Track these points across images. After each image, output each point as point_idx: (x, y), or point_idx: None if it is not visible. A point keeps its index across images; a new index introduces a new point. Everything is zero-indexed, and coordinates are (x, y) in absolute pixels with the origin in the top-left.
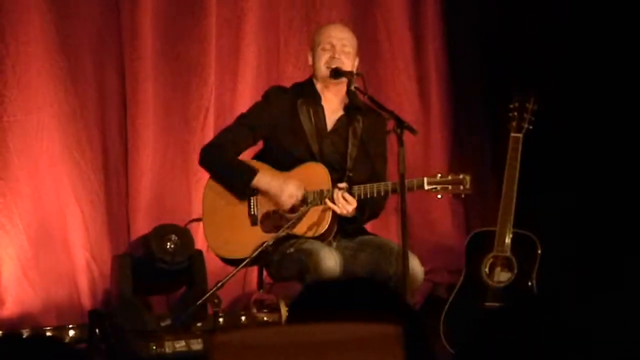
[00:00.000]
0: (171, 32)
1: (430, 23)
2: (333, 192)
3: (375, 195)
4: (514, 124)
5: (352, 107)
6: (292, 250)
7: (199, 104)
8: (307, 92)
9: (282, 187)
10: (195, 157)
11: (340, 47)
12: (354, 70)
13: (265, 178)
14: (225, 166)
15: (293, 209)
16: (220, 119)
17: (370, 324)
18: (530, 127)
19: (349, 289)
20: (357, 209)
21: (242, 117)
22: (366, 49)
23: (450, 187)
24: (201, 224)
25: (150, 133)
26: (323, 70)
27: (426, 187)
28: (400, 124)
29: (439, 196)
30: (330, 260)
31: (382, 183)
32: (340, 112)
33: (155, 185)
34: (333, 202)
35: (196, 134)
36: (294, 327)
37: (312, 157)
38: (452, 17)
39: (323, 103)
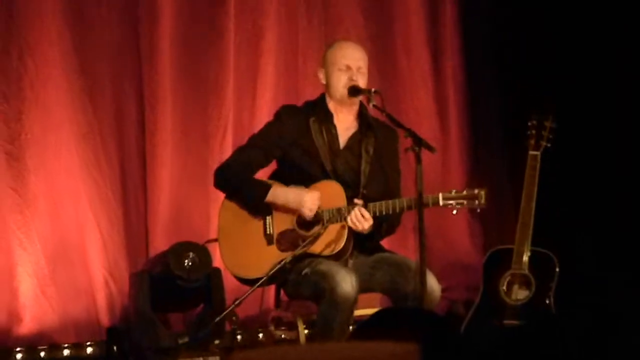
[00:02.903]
0: (189, 51)
1: (448, 40)
2: (349, 209)
3: (390, 212)
4: (532, 141)
5: (364, 123)
6: (308, 271)
7: (217, 123)
8: (319, 110)
9: (301, 199)
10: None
11: (356, 68)
12: (370, 88)
13: (281, 191)
14: (240, 185)
15: (311, 222)
16: (239, 138)
17: (388, 342)
18: (549, 145)
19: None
20: (374, 225)
21: (254, 137)
22: (384, 66)
23: (465, 202)
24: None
25: (169, 151)
26: (341, 91)
27: (441, 202)
28: (418, 141)
29: (455, 211)
30: (347, 284)
31: (398, 200)
32: (353, 129)
33: (173, 203)
34: (350, 219)
35: (214, 152)
36: (311, 345)
37: (326, 175)
38: (470, 34)
39: (335, 121)
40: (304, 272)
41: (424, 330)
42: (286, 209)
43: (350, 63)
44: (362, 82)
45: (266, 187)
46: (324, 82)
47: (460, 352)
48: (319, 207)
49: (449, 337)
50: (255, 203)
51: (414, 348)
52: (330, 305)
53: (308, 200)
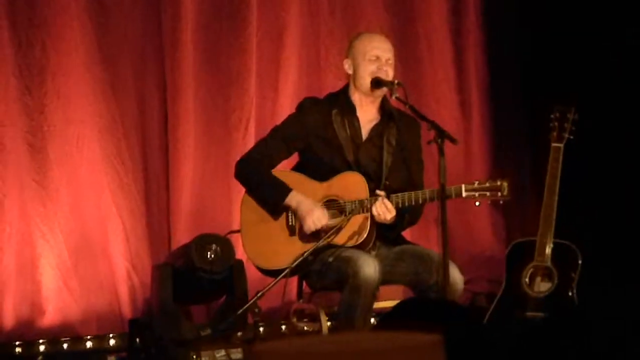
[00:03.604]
0: (212, 43)
1: (470, 33)
2: (375, 199)
3: (413, 203)
4: (554, 134)
5: (386, 115)
6: (331, 259)
7: (240, 115)
8: (341, 102)
9: (309, 212)
10: None
11: (385, 59)
12: (393, 80)
13: (297, 198)
14: (260, 182)
15: (334, 214)
16: (261, 130)
17: (411, 333)
18: (571, 137)
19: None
20: (396, 216)
21: (276, 129)
22: (407, 58)
23: (488, 193)
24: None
25: (191, 143)
26: (367, 79)
27: (464, 194)
28: (441, 133)
29: (477, 203)
30: (370, 267)
31: (420, 191)
32: (375, 121)
33: (196, 195)
34: (375, 209)
35: (237, 144)
36: (334, 335)
37: (349, 167)
38: (493, 27)
39: (358, 113)
40: (327, 260)
41: (447, 321)
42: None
43: (380, 54)
44: (390, 74)
45: (284, 192)
46: (350, 72)
47: (484, 343)
48: (341, 198)
49: (473, 328)
50: (273, 205)
51: (437, 338)
52: (353, 290)
53: (312, 219)
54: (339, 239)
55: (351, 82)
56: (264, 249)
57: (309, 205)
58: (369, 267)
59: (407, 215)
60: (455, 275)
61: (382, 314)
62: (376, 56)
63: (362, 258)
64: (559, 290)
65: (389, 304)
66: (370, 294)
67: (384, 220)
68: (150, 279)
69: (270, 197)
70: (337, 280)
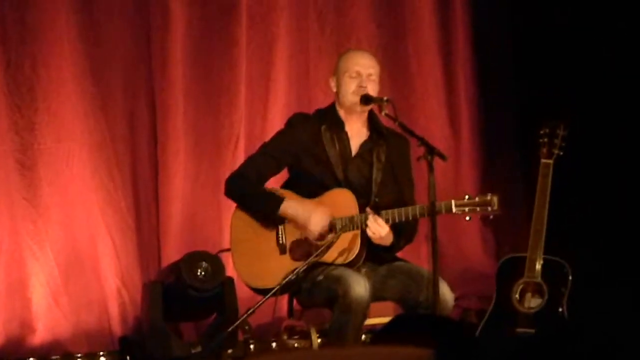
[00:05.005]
0: (201, 60)
1: (460, 48)
2: (365, 217)
3: (403, 219)
4: (544, 150)
5: (374, 131)
6: (321, 277)
7: (230, 131)
8: (330, 118)
9: (310, 216)
10: None
11: (366, 75)
12: (382, 97)
13: (293, 205)
14: (252, 196)
15: (321, 237)
16: (251, 146)
17: (402, 347)
18: (561, 153)
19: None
20: (394, 235)
21: (265, 145)
22: (396, 74)
23: (478, 208)
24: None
25: (181, 160)
26: (349, 97)
27: (454, 209)
28: (431, 150)
29: (468, 218)
30: (360, 286)
31: (410, 207)
32: (364, 137)
33: (186, 212)
34: (366, 227)
35: (227, 160)
36: (325, 350)
37: (338, 183)
38: (482, 42)
39: (346, 129)
40: (317, 278)
41: (441, 337)
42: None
43: (361, 70)
44: (371, 89)
45: (279, 200)
46: (335, 89)
47: (476, 358)
48: (331, 216)
49: (464, 342)
50: (267, 215)
51: (428, 353)
52: (343, 309)
53: (316, 219)
54: (329, 257)
55: (336, 99)
56: (255, 267)
57: (307, 213)
58: (360, 286)
59: (403, 234)
60: (445, 292)
61: (373, 331)
62: (357, 72)
63: (352, 277)
64: (549, 306)
65: (380, 320)
66: (361, 313)
67: (380, 237)
68: (140, 296)
69: (265, 209)
70: (328, 298)
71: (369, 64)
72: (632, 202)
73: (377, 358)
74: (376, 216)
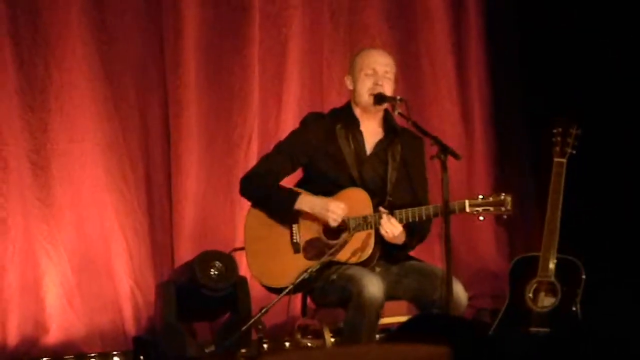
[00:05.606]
0: (214, 59)
1: (473, 48)
2: (379, 216)
3: (417, 219)
4: (557, 149)
5: (389, 130)
6: (335, 277)
7: (242, 131)
8: (345, 117)
9: (326, 206)
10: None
11: (382, 73)
12: (395, 96)
13: (309, 199)
14: (267, 193)
15: (338, 230)
16: (264, 146)
17: (418, 345)
18: (574, 152)
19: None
20: (407, 234)
21: (280, 145)
22: (409, 74)
23: (491, 208)
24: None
25: (194, 160)
26: (365, 96)
27: (467, 209)
28: (444, 149)
29: (481, 218)
30: (374, 286)
31: (424, 207)
32: (379, 136)
33: (199, 212)
34: (382, 228)
35: (240, 160)
36: (340, 348)
37: (352, 183)
38: (495, 41)
39: (361, 127)
40: (331, 278)
41: (457, 336)
42: (313, 217)
43: (377, 67)
44: (387, 87)
45: (294, 195)
46: (350, 87)
47: (491, 357)
48: (345, 215)
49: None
50: (284, 211)
51: (444, 351)
52: (357, 309)
53: (333, 208)
54: (343, 256)
55: (352, 98)
56: (269, 266)
57: (322, 203)
58: (373, 285)
59: (416, 233)
60: (459, 291)
61: (387, 330)
62: (373, 70)
63: (366, 277)
64: (562, 305)
65: (394, 319)
66: (375, 313)
67: (393, 236)
68: (153, 296)
69: (281, 204)
70: (341, 298)
71: (385, 61)
72: None
73: (393, 356)
74: (390, 216)
